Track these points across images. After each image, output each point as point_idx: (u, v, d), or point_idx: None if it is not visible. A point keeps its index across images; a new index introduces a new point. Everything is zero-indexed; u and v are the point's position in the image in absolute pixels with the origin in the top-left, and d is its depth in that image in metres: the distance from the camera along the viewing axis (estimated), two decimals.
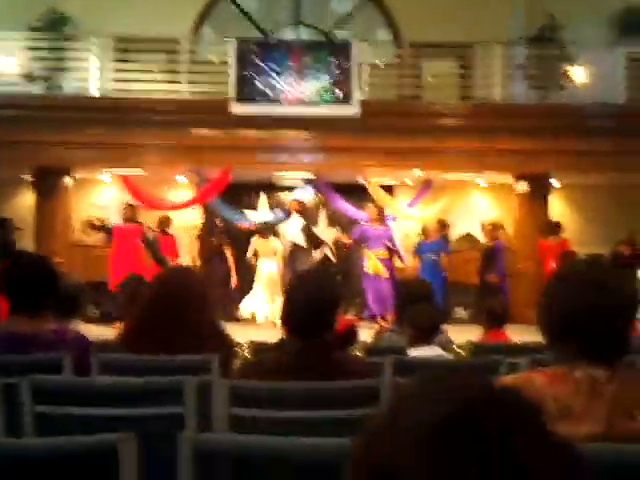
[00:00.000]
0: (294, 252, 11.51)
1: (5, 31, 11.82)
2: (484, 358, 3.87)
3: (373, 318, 10.61)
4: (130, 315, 4.36)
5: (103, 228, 11.49)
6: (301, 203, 11.85)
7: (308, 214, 12.67)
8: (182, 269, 4.06)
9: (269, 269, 11.53)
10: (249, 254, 11.72)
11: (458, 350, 4.64)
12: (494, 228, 12.07)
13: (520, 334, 5.67)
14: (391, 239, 11.24)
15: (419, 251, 11.92)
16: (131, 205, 11.61)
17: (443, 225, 12.15)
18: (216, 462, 1.87)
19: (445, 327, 4.78)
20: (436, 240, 11.86)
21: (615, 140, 11.37)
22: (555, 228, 12.13)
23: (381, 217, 11.40)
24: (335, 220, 12.87)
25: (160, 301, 3.47)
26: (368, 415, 0.74)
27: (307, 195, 12.86)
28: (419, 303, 4.33)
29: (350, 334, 4.36)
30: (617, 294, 1.86)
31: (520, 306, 9.76)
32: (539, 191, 12.35)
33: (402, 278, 10.03)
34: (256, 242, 11.71)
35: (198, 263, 11.91)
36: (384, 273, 10.98)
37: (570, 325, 1.86)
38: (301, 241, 11.57)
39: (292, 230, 11.53)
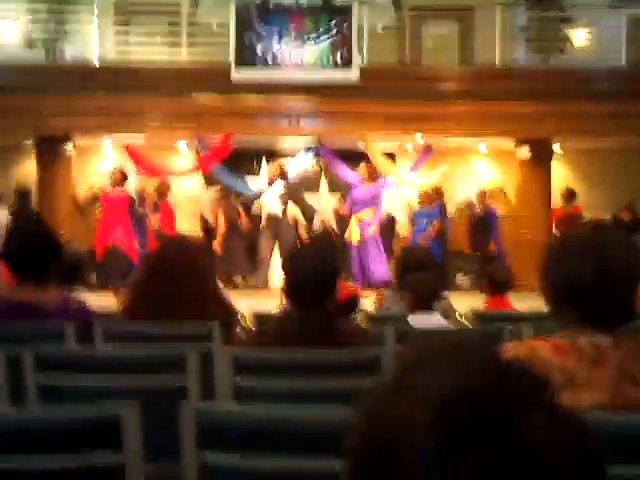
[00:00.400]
0: (270, 221, 11.34)
1: None
2: (487, 326, 3.87)
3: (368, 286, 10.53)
4: (130, 285, 4.37)
5: (94, 200, 11.44)
6: (282, 168, 11.48)
7: (308, 181, 12.63)
8: (181, 239, 4.04)
9: None
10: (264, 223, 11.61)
11: (460, 318, 4.64)
12: (482, 196, 12.10)
13: (524, 302, 5.65)
14: (375, 198, 11.04)
15: (413, 217, 11.88)
16: (120, 170, 11.34)
17: (438, 193, 12.00)
18: (218, 432, 1.88)
19: (447, 294, 4.78)
20: (431, 208, 11.74)
21: (618, 103, 11.26)
22: (570, 195, 12.19)
23: (372, 176, 11.20)
24: (336, 187, 12.81)
25: (160, 271, 3.46)
26: (369, 386, 0.74)
27: (308, 161, 12.77)
28: (419, 270, 4.32)
29: (352, 302, 4.36)
30: (620, 258, 1.84)
31: (525, 273, 9.74)
32: (541, 156, 12.27)
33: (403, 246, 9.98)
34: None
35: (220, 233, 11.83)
36: (357, 236, 10.83)
37: (572, 290, 1.85)
38: (278, 210, 11.26)
39: (270, 198, 11.25)
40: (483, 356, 0.81)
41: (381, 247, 10.83)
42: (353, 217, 11.01)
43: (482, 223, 11.90)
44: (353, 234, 10.89)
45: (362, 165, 11.34)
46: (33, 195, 11.77)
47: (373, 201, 10.99)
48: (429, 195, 11.83)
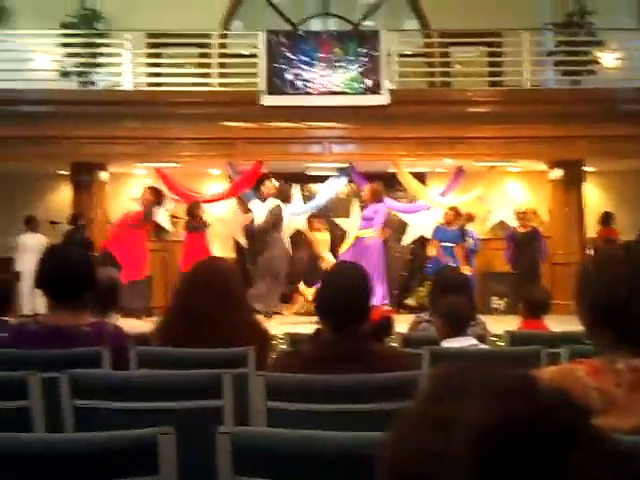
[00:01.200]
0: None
1: (39, 28, 11.99)
2: (523, 348, 3.81)
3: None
4: (165, 308, 4.38)
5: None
6: (277, 187, 11.51)
7: (340, 204, 12.64)
8: (216, 261, 4.04)
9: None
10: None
11: (495, 339, 4.57)
12: (523, 215, 12.00)
13: (557, 323, 5.55)
14: (373, 219, 10.94)
15: (434, 235, 11.81)
16: (153, 188, 11.56)
17: (459, 215, 11.82)
18: (253, 456, 1.87)
19: (482, 318, 4.70)
20: (451, 230, 11.58)
21: None
22: (604, 219, 12.12)
23: (375, 198, 11.04)
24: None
25: (195, 294, 3.47)
26: (397, 414, 0.70)
27: (340, 184, 12.78)
28: (450, 292, 4.22)
29: (386, 325, 4.31)
30: None
31: (558, 295, 9.62)
32: (573, 177, 12.21)
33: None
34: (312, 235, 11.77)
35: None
36: (344, 249, 11.07)
37: (608, 312, 1.82)
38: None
39: (259, 213, 11.40)
40: (517, 382, 0.77)
41: (376, 265, 10.77)
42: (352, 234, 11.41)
43: (526, 242, 11.71)
44: (343, 246, 11.28)
45: (366, 186, 11.37)
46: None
47: (371, 222, 10.99)
48: (448, 215, 11.71)
